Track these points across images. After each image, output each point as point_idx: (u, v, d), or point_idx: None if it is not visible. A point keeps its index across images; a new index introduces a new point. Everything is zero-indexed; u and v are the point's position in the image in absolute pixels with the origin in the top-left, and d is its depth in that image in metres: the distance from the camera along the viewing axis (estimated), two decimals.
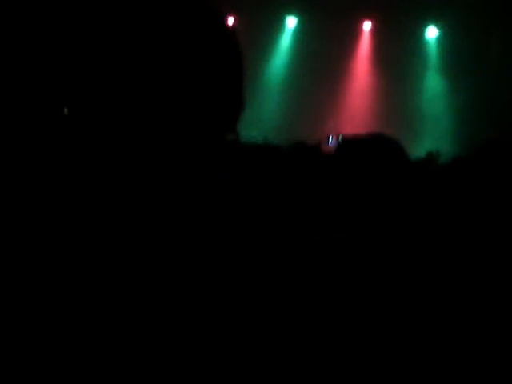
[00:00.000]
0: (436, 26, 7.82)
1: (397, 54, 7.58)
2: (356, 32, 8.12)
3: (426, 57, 7.91)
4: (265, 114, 7.41)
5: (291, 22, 8.36)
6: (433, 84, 7.81)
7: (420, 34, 7.90)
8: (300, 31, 8.24)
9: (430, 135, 7.11)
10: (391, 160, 1.38)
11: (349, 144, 1.42)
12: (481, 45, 7.08)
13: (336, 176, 1.42)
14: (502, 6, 6.65)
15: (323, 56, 7.67)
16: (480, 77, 7.04)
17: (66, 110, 0.88)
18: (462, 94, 7.23)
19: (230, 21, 7.83)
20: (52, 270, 0.77)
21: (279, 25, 8.30)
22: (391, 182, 1.37)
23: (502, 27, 6.86)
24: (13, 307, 0.75)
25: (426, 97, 7.78)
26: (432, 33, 7.89)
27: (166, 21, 0.79)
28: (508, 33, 6.81)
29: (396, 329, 1.20)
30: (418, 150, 4.66)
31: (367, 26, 8.09)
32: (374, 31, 8.03)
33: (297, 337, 0.87)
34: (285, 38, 8.36)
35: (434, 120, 7.50)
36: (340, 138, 6.05)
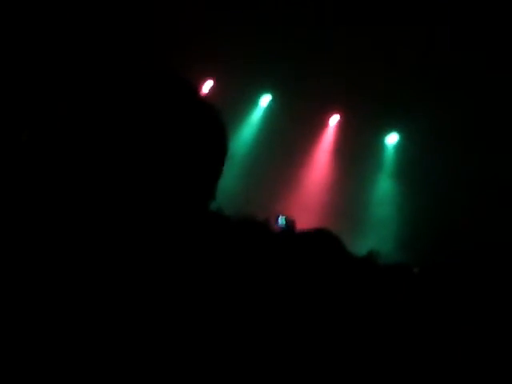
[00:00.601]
0: (397, 132, 8.29)
1: (356, 153, 8.02)
2: (323, 123, 8.50)
3: (383, 161, 8.33)
4: (223, 184, 7.49)
5: (265, 100, 8.69)
6: (384, 187, 8.19)
7: (381, 137, 8.36)
8: (271, 111, 8.56)
9: (373, 235, 7.36)
10: (331, 255, 1.49)
11: (294, 237, 1.54)
12: (436, 157, 7.46)
13: (278, 262, 1.52)
14: (464, 123, 7.07)
15: (288, 139, 7.99)
16: (430, 187, 7.42)
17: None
18: (411, 201, 7.62)
19: (209, 84, 8.11)
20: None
21: (253, 100, 8.61)
22: (328, 275, 1.48)
23: (461, 144, 7.21)
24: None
25: (376, 198, 8.14)
26: (392, 139, 8.36)
27: (160, 106, 0.87)
28: (467, 151, 7.15)
29: None
30: (361, 247, 4.83)
31: (334, 119, 8.51)
32: (340, 126, 8.45)
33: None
34: (256, 114, 8.66)
35: (380, 221, 7.81)
36: (285, 219, 6.26)
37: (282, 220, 6.60)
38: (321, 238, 1.55)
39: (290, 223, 6.07)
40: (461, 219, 6.80)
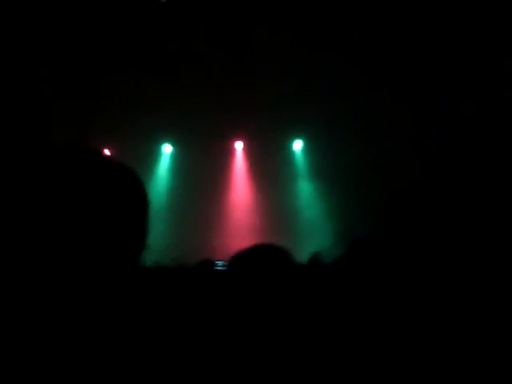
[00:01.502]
0: (300, 139, 8.61)
1: (269, 167, 8.28)
2: (229, 151, 8.66)
3: (295, 166, 8.61)
4: (151, 239, 7.40)
5: (167, 148, 8.73)
6: (304, 189, 8.45)
7: (287, 146, 8.64)
8: (177, 156, 8.61)
9: (312, 236, 7.55)
10: (277, 266, 1.54)
11: (237, 257, 1.58)
12: (341, 153, 7.84)
13: (231, 289, 1.55)
14: (356, 120, 7.55)
15: (202, 176, 8.07)
16: (343, 180, 7.76)
17: None
18: (332, 196, 7.94)
19: (106, 153, 8.04)
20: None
21: (156, 152, 8.63)
22: (277, 286, 1.52)
23: (357, 137, 7.68)
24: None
25: (301, 202, 8.38)
26: (297, 145, 8.66)
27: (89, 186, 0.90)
28: (362, 142, 7.65)
29: None
30: (304, 251, 4.94)
31: (239, 145, 8.69)
32: (246, 149, 8.65)
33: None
34: (163, 164, 8.68)
35: (313, 221, 8.04)
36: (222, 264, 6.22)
37: (219, 264, 6.57)
38: (264, 252, 1.59)
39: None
40: (377, 199, 7.22)
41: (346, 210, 7.64)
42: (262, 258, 1.58)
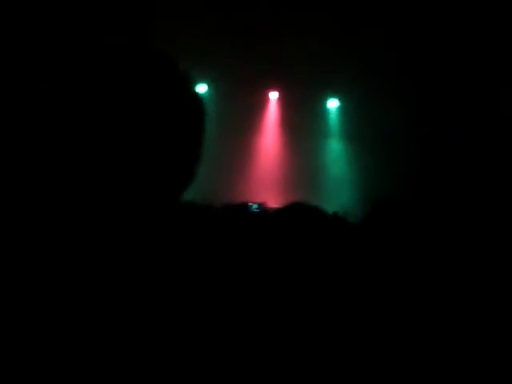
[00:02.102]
0: (336, 98, 8.49)
1: (301, 121, 8.16)
2: (263, 101, 8.57)
3: (328, 124, 8.51)
4: None
5: (202, 87, 8.65)
6: (334, 148, 8.39)
7: (322, 104, 8.52)
8: (210, 97, 8.54)
9: (335, 195, 7.55)
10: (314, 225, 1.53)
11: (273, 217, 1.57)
12: (377, 114, 7.73)
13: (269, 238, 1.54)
14: (395, 80, 7.39)
15: (233, 121, 8.02)
16: (375, 143, 7.68)
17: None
18: (361, 159, 7.87)
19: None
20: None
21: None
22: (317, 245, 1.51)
23: (395, 98, 7.55)
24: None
25: (329, 160, 8.33)
26: (333, 104, 8.54)
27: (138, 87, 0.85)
28: (400, 103, 7.51)
29: None
30: (326, 209, 4.94)
31: (274, 95, 8.59)
32: (281, 100, 8.54)
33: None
34: None
35: (338, 181, 8.03)
36: (257, 206, 6.22)
37: (254, 207, 6.60)
38: (299, 212, 1.58)
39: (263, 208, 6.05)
40: (412, 164, 7.17)
41: (373, 173, 7.59)
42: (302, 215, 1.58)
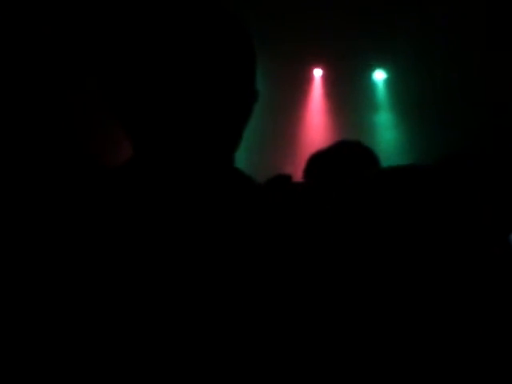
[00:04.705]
0: (382, 69, 8.27)
1: (348, 96, 8.02)
2: (308, 78, 8.46)
3: (375, 97, 8.32)
4: None
5: None
6: (383, 121, 8.21)
7: (368, 76, 8.32)
8: (256, 78, 8.51)
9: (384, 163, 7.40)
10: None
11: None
12: (425, 84, 7.52)
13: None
14: (442, 50, 7.15)
15: (276, 99, 7.94)
16: (425, 116, 7.46)
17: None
18: (411, 126, 7.66)
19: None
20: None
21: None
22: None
23: (443, 68, 7.32)
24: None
25: (378, 134, 8.16)
26: (379, 75, 8.32)
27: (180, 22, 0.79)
28: (449, 73, 7.27)
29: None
30: None
31: (318, 72, 8.46)
32: (325, 76, 8.41)
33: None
34: None
35: (388, 155, 7.84)
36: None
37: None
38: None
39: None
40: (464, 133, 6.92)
41: (424, 147, 7.38)
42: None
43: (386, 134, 8.15)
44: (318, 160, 1.49)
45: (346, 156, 1.47)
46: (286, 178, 2.51)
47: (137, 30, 0.79)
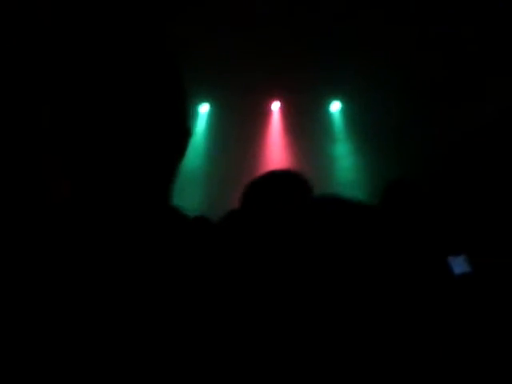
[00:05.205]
0: (338, 100, 8.48)
1: (306, 128, 8.22)
2: (266, 112, 8.61)
3: (333, 127, 8.53)
4: (185, 199, 7.45)
5: (204, 108, 8.71)
6: (341, 151, 8.40)
7: (325, 107, 8.53)
8: (213, 116, 8.60)
9: (343, 190, 7.54)
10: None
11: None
12: (380, 115, 7.71)
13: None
14: (396, 82, 7.38)
15: (237, 136, 8.06)
16: (381, 143, 7.66)
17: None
18: (369, 160, 7.86)
19: None
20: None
21: (193, 111, 8.60)
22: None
23: (398, 100, 7.53)
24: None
25: (337, 164, 8.36)
26: (335, 106, 8.54)
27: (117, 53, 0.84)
28: (404, 104, 7.49)
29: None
30: None
31: (276, 105, 8.62)
32: (283, 109, 8.57)
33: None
34: (200, 123, 8.68)
35: (348, 184, 8.01)
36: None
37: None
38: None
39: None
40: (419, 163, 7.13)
41: (383, 174, 7.56)
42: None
43: (344, 162, 8.33)
44: (251, 189, 1.53)
45: (276, 185, 1.51)
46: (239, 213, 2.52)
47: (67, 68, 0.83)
